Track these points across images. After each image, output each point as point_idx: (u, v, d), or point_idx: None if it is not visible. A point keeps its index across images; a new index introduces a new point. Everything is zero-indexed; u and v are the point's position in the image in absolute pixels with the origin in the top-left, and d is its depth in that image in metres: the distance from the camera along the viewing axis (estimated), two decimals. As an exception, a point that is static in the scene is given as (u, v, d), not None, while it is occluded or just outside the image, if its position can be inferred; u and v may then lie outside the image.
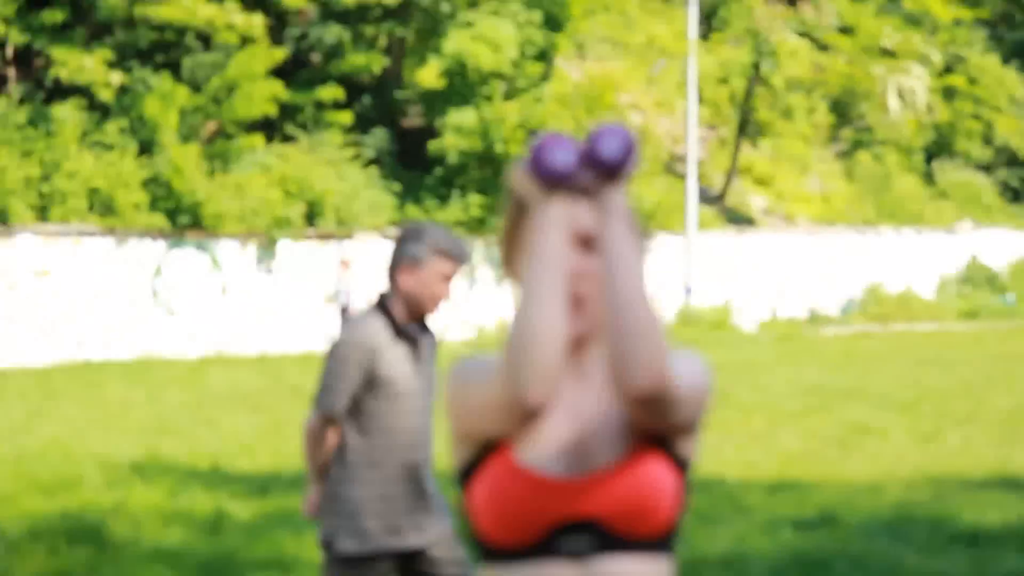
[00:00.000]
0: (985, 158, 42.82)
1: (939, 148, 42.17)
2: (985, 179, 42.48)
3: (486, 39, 27.04)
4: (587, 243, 2.36)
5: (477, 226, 26.99)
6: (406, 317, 4.69)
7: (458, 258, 4.74)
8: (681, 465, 2.40)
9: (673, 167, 34.18)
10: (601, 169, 2.33)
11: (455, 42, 27.15)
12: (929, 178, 41.67)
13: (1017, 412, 14.24)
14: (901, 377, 17.71)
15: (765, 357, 22.05)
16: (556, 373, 2.27)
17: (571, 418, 2.39)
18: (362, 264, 25.31)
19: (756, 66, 34.90)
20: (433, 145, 27.29)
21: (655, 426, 2.34)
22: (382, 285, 4.76)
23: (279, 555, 7.78)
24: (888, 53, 38.84)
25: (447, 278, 4.75)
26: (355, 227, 25.95)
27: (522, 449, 2.37)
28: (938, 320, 32.73)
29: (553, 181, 2.33)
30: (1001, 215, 40.86)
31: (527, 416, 2.29)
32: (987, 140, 42.78)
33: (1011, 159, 42.96)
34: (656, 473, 2.35)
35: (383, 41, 29.56)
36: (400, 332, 4.73)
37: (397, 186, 27.48)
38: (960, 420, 13.69)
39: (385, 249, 26.40)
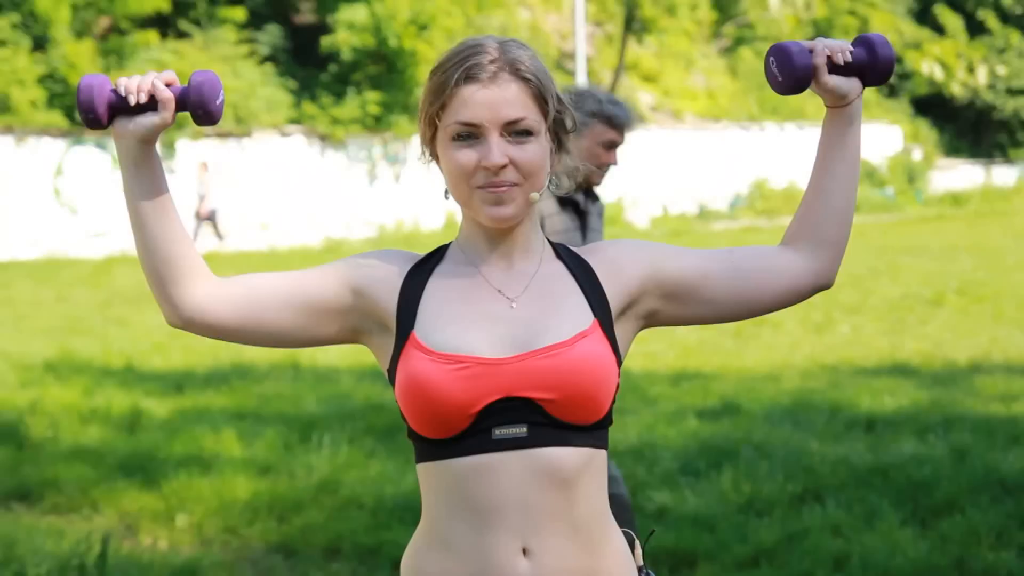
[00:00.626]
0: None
1: (819, 44, 42.60)
2: (864, 74, 43.02)
3: (378, -68, 26.87)
4: (513, 131, 2.34)
5: (374, 123, 26.93)
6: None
7: (620, 124, 4.64)
8: (618, 350, 2.41)
9: (562, 64, 34.25)
10: (880, 75, 2.48)
11: (347, -65, 26.95)
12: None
13: (903, 302, 14.69)
14: (789, 269, 18.04)
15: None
16: (197, 287, 2.39)
17: (493, 301, 2.39)
18: (260, 161, 25.19)
19: (642, -39, 34.98)
20: (326, 41, 27.09)
21: (785, 307, 2.55)
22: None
23: (198, 451, 7.85)
24: (768, -52, 39.13)
25: (610, 145, 4.67)
26: (253, 125, 25.79)
27: (431, 334, 2.35)
28: (821, 214, 33.28)
29: (796, 86, 2.45)
30: (878, 110, 41.51)
31: (181, 326, 2.41)
32: (863, 36, 43.30)
33: (888, 54, 43.51)
34: (601, 358, 2.34)
35: (275, -66, 29.25)
36: (565, 200, 4.66)
37: (293, 83, 27.29)
38: (849, 310, 14.10)
39: (283, 147, 26.41)
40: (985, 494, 6.56)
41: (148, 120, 2.31)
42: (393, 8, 26.79)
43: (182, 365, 10.98)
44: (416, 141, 27.67)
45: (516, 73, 2.36)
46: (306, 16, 29.41)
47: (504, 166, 2.33)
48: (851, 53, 2.46)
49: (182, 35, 27.02)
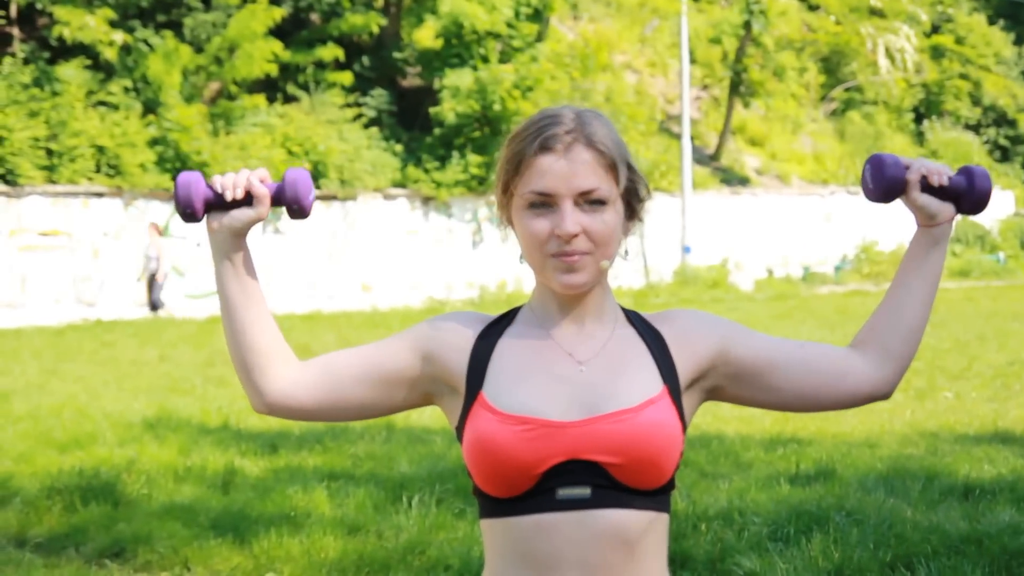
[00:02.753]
0: (973, 117, 42.96)
1: (928, 108, 42.31)
2: (974, 138, 42.64)
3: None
4: (586, 200, 2.39)
5: (477, 185, 27.11)
6: None
7: None
8: (684, 417, 2.45)
9: (667, 127, 34.28)
10: (974, 204, 2.55)
11: (451, 2, 27.22)
12: (919, 137, 41.82)
13: (1008, 368, 14.43)
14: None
15: (762, 315, 22.21)
16: (280, 375, 2.46)
17: (563, 364, 2.43)
18: (364, 223, 25.37)
19: (747, 25, 34.97)
20: (433, 110, 27.38)
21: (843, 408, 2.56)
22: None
23: (289, 511, 7.89)
24: (876, 12, 38.94)
25: None
26: (358, 187, 26.07)
27: (500, 396, 2.40)
28: (929, 278, 32.88)
29: (884, 196, 2.58)
30: (992, 174, 41.01)
31: (272, 413, 2.49)
32: (975, 100, 42.92)
33: (999, 118, 43.11)
34: (667, 425, 2.38)
35: (381, 1, 29.62)
36: None
37: (398, 147, 27.59)
38: (953, 376, 13.88)
39: (387, 209, 26.65)
40: (1082, 565, 6.41)
41: (243, 215, 2.42)
42: (498, 73, 27.02)
43: (278, 425, 11.07)
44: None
45: (590, 144, 2.41)
46: (412, 80, 29.75)
47: (577, 235, 2.37)
48: (949, 178, 2.54)
49: (289, 99, 27.44)
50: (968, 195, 2.53)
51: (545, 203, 2.39)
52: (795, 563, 6.62)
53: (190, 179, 2.40)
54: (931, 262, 2.58)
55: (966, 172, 2.54)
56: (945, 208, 2.54)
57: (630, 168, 2.45)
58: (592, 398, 2.38)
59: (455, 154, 27.30)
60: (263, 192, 2.42)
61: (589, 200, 2.39)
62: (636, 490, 2.38)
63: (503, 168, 2.47)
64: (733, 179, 34.12)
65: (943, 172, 2.53)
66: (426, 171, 27.09)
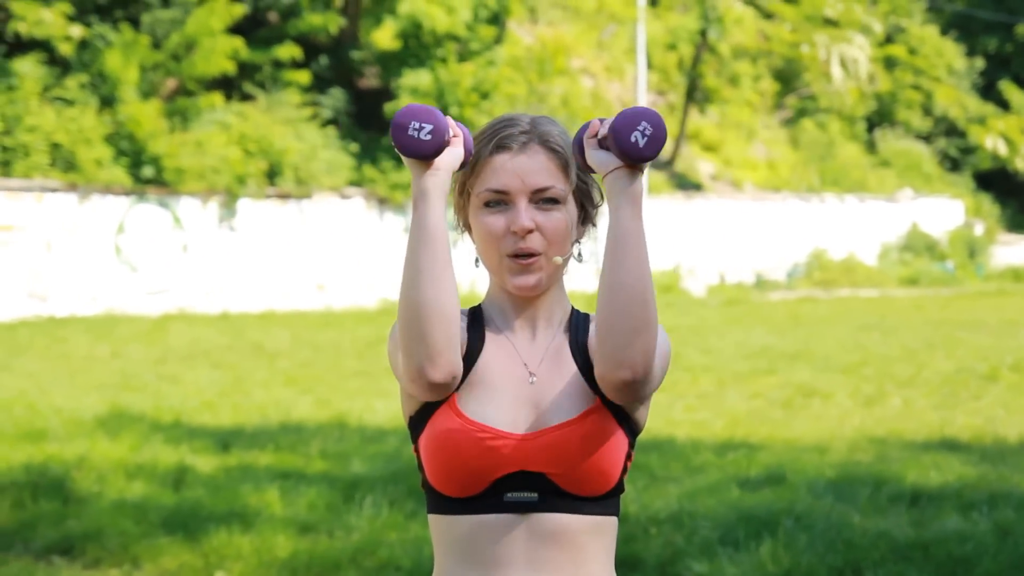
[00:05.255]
0: (925, 128, 43.32)
1: (880, 117, 42.65)
2: (925, 148, 43.00)
3: (440, 1, 27.13)
4: (540, 198, 2.42)
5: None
6: None
7: None
8: (631, 429, 2.47)
9: (622, 132, 34.39)
10: (638, 157, 2.33)
11: (410, 3, 27.21)
12: (871, 146, 42.15)
13: (956, 376, 14.56)
14: (845, 341, 18.02)
15: (714, 321, 22.35)
16: (453, 346, 2.32)
17: (519, 374, 2.45)
18: (319, 223, 25.40)
19: (703, 33, 35.15)
20: (389, 107, 27.36)
21: (627, 402, 2.39)
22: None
23: (242, 509, 7.89)
24: (831, 22, 39.22)
25: None
26: (313, 187, 26.03)
27: (467, 400, 2.42)
28: (880, 286, 33.17)
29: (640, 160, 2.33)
30: (940, 184, 41.37)
31: (432, 390, 2.34)
32: (927, 110, 43.28)
33: (950, 129, 43.48)
34: (608, 434, 2.41)
35: (339, 1, 29.58)
36: None
37: (355, 146, 27.54)
38: (901, 383, 14.00)
39: (342, 209, 26.60)
40: (1026, 572, 6.49)
41: (458, 152, 2.40)
42: (457, 75, 27.03)
43: (230, 423, 11.05)
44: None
45: (545, 143, 2.45)
46: (370, 81, 29.72)
47: (531, 230, 2.41)
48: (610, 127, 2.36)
49: (246, 97, 27.37)
50: (614, 141, 2.32)
51: (500, 201, 2.43)
52: (744, 568, 6.68)
53: (435, 111, 2.33)
54: (616, 217, 2.34)
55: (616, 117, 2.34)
56: (604, 159, 2.35)
57: (582, 169, 2.48)
58: (539, 410, 2.42)
59: (411, 156, 27.25)
60: (461, 133, 2.42)
61: (543, 198, 2.42)
62: (583, 497, 2.42)
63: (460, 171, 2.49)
64: (687, 185, 34.29)
65: (606, 122, 2.37)
66: (382, 171, 27.06)
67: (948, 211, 39.27)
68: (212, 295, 24.81)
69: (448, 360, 2.32)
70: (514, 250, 2.42)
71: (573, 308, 2.57)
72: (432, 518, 2.48)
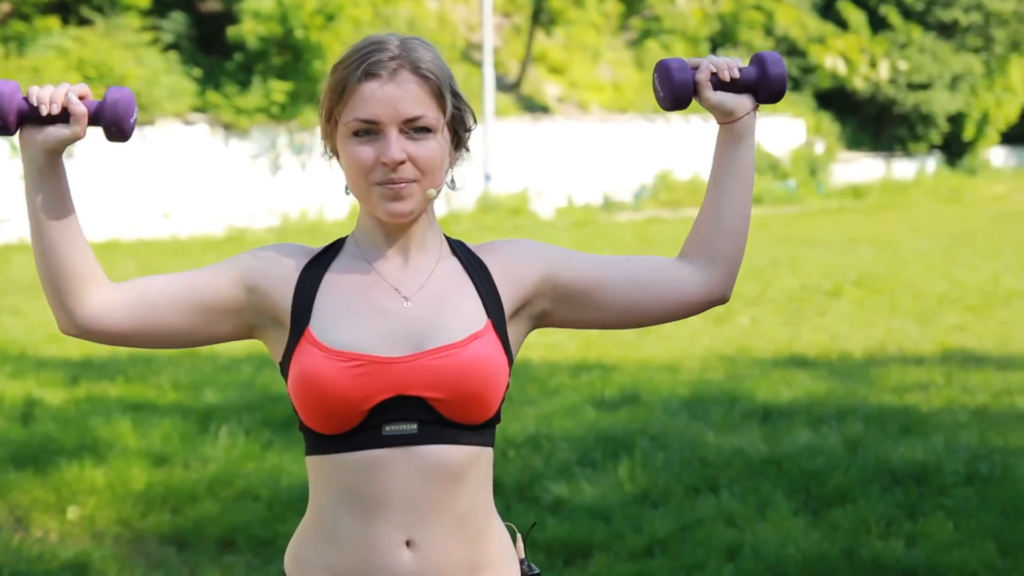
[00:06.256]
0: (767, 47, 43.79)
1: (723, 38, 42.97)
2: (768, 68, 43.45)
3: (282, -79, 26.64)
4: (411, 127, 2.36)
5: (280, 112, 26.75)
6: None
7: None
8: (511, 356, 2.45)
9: (469, 55, 34.23)
10: (771, 93, 2.51)
11: (251, -76, 26.69)
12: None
13: (800, 294, 14.85)
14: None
15: (564, 242, 22.43)
16: (71, 303, 2.37)
17: (389, 300, 2.42)
18: (163, 150, 24.95)
19: (549, -46, 35.05)
20: (232, 31, 26.86)
21: (686, 317, 2.57)
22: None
23: (93, 441, 7.76)
24: (675, -57, 39.38)
25: None
26: (156, 113, 25.51)
27: (327, 331, 2.38)
28: (724, 206, 33.56)
29: (676, 102, 2.49)
30: (782, 103, 41.90)
31: (75, 335, 2.40)
32: (768, 30, 43.76)
33: (791, 49, 43.97)
34: (493, 359, 2.39)
35: (179, -79, 28.91)
36: None
37: (197, 71, 27.01)
38: (749, 301, 14.22)
39: (186, 135, 26.14)
40: (876, 484, 6.66)
41: (60, 132, 2.31)
42: (300, -4, 26.63)
43: (78, 355, 10.84)
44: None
45: (416, 71, 2.38)
46: (211, 4, 29.12)
47: (402, 162, 2.35)
48: (740, 70, 2.50)
49: (84, 22, 26.65)
50: (763, 83, 2.50)
51: (370, 130, 2.36)
52: (603, 488, 6.75)
53: (4, 89, 2.26)
54: (739, 158, 2.53)
55: (758, 60, 2.51)
56: (741, 101, 2.51)
57: (456, 96, 2.43)
58: (417, 334, 2.37)
59: (256, 80, 26.87)
60: (81, 111, 2.30)
61: (415, 127, 2.36)
62: (462, 425, 2.38)
63: (327, 96, 2.42)
64: (535, 107, 34.28)
65: (732, 65, 2.50)
66: (226, 97, 26.61)
67: (789, 130, 39.83)
68: (53, 224, 24.25)
69: (59, 318, 2.39)
70: (384, 180, 2.36)
71: (444, 235, 2.54)
72: (310, 461, 2.43)
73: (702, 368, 10.32)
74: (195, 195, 26.13)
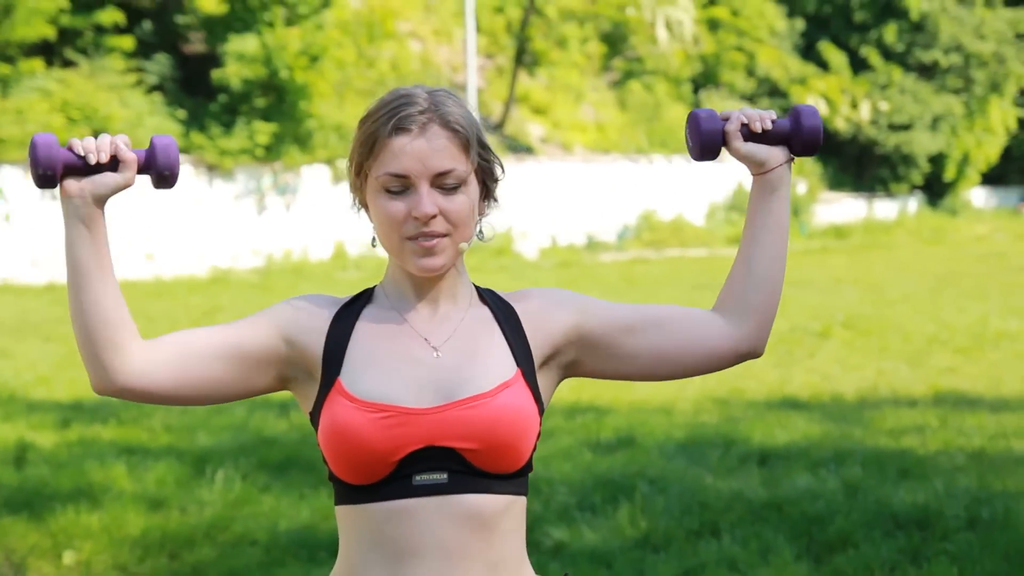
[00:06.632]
0: (749, 88, 44.02)
1: (706, 79, 43.20)
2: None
3: (266, -36, 26.74)
4: (442, 181, 2.36)
5: (264, 153, 26.77)
6: None
7: None
8: (541, 405, 2.44)
9: (452, 95, 34.32)
10: (806, 145, 2.51)
11: (235, -34, 26.77)
12: (697, 108, 42.61)
13: (791, 335, 14.84)
14: (677, 301, 18.18)
15: (548, 283, 22.44)
16: (107, 361, 2.31)
17: (419, 350, 2.40)
18: (147, 191, 24.86)
19: (531, -5, 35.23)
20: (216, 74, 26.89)
21: (721, 369, 2.53)
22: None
23: (87, 485, 7.71)
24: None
25: None
26: (140, 154, 25.51)
27: (357, 382, 2.36)
28: (708, 246, 33.67)
29: (704, 151, 2.50)
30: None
31: (106, 393, 2.34)
32: (750, 71, 43.99)
33: (772, 89, 44.23)
34: (523, 407, 2.37)
35: (162, -36, 28.97)
36: None
37: (182, 113, 27.02)
38: (739, 344, 14.19)
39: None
40: (877, 529, 6.64)
41: (110, 179, 2.33)
42: (284, 39, 26.67)
43: (68, 397, 10.78)
44: (306, 172, 27.60)
45: (446, 125, 2.37)
46: (196, 46, 29.15)
47: (434, 216, 2.35)
48: (773, 122, 2.50)
49: (68, 63, 26.65)
50: (797, 135, 2.50)
51: (401, 185, 2.36)
52: (603, 532, 6.72)
53: (50, 140, 2.26)
54: (772, 210, 2.51)
55: (793, 112, 2.51)
56: (773, 153, 2.51)
57: (484, 147, 2.43)
58: (447, 383, 2.36)
59: (240, 121, 26.90)
60: (131, 157, 2.33)
61: (445, 181, 2.36)
62: (494, 474, 2.37)
63: (357, 149, 2.41)
64: (518, 148, 34.36)
65: (765, 117, 2.50)
66: (211, 138, 26.63)
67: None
68: (38, 266, 24.17)
69: (97, 376, 2.32)
70: (416, 234, 2.36)
71: (473, 284, 2.54)
72: (340, 511, 2.41)
73: (696, 410, 10.30)
74: (179, 236, 26.09)
